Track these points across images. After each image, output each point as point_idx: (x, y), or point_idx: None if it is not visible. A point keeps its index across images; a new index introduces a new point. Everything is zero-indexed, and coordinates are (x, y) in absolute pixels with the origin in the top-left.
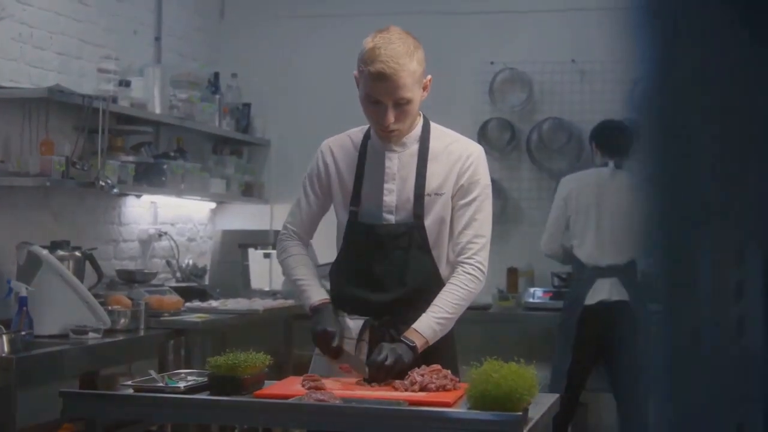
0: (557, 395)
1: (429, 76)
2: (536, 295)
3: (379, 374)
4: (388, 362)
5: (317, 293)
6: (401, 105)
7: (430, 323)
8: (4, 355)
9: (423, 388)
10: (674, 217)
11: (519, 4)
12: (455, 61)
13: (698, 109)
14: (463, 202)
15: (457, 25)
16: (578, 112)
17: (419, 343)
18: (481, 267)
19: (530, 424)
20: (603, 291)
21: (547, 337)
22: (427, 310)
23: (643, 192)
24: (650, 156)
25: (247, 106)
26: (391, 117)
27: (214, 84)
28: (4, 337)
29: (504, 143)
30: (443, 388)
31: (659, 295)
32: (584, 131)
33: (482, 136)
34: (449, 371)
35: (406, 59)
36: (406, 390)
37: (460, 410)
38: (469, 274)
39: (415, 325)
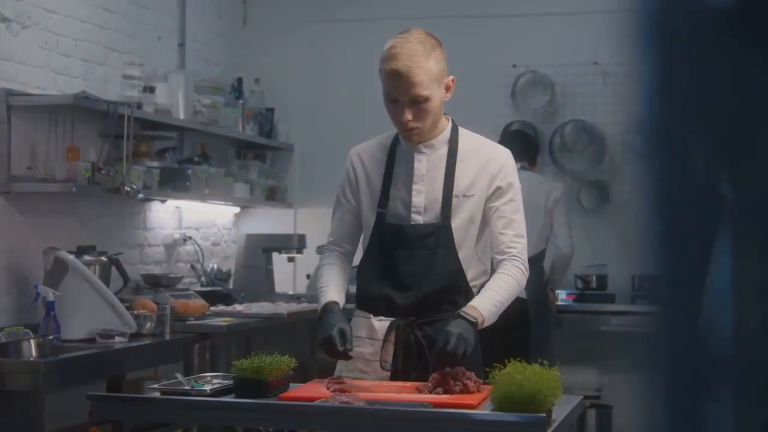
0: (581, 397)
1: (451, 77)
2: (560, 297)
3: (442, 361)
4: (458, 351)
5: (328, 296)
6: (418, 103)
7: (486, 304)
8: (32, 359)
9: (447, 391)
10: (687, 218)
11: (541, 7)
12: (478, 64)
13: (706, 110)
14: (500, 203)
15: (480, 29)
16: (601, 114)
17: (479, 319)
18: (525, 265)
19: (554, 426)
20: None
21: (571, 339)
22: (482, 291)
23: (655, 193)
24: (658, 159)
25: (271, 110)
26: (408, 115)
27: (237, 89)
28: (32, 342)
29: None
30: (467, 390)
31: (670, 299)
32: (607, 133)
33: (504, 139)
34: (473, 373)
35: (421, 57)
36: (430, 392)
37: (484, 412)
38: (517, 268)
39: (473, 302)
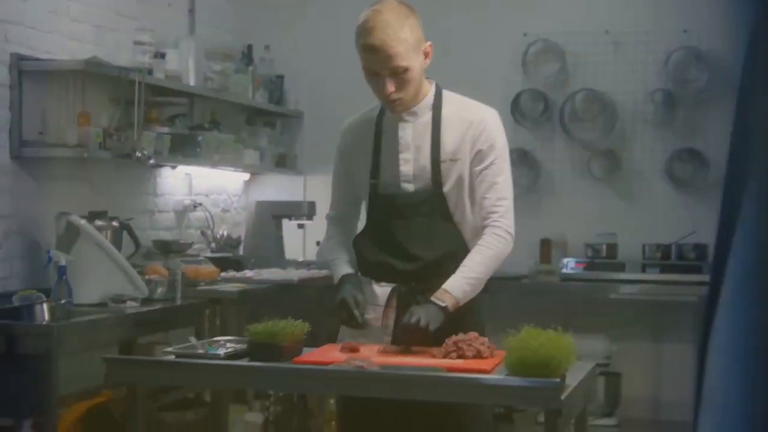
0: (594, 363)
1: (429, 43)
2: (569, 266)
3: (405, 335)
4: (421, 324)
5: (343, 268)
6: (398, 74)
7: (460, 283)
8: (45, 323)
9: (460, 356)
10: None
11: None
12: (488, 33)
13: None
14: (481, 167)
15: None
16: (611, 83)
17: (450, 302)
18: (508, 230)
19: (568, 391)
20: None
21: (582, 308)
22: (457, 270)
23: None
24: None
25: (280, 78)
26: (390, 87)
27: (247, 56)
28: (45, 306)
29: (537, 114)
30: (480, 356)
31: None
32: (618, 102)
33: (515, 108)
34: (486, 339)
35: (395, 28)
36: (443, 357)
37: (498, 377)
38: (497, 236)
39: (446, 285)
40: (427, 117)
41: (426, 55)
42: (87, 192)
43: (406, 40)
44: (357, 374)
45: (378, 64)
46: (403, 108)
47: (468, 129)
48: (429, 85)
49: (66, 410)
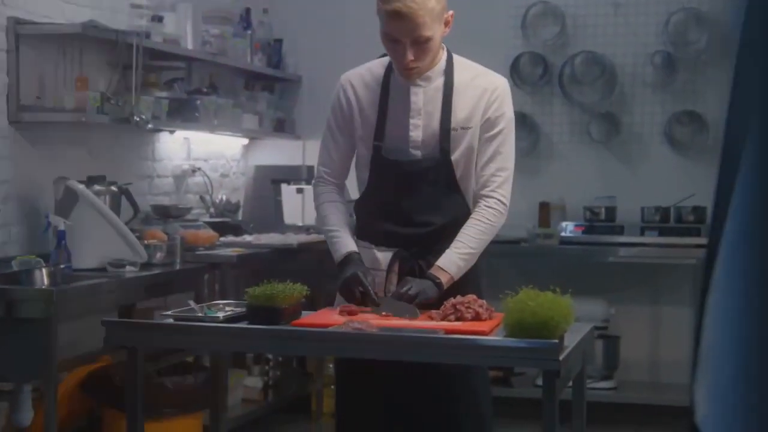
0: (592, 325)
1: (451, 12)
2: (569, 229)
3: (394, 305)
4: (411, 293)
5: (345, 245)
6: (420, 43)
7: (454, 259)
8: (44, 287)
9: (459, 318)
10: None
11: None
12: None
13: None
14: (488, 135)
15: None
16: (611, 46)
17: (444, 279)
18: (503, 200)
19: (566, 352)
20: None
21: (581, 271)
22: (451, 245)
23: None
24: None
25: (279, 42)
26: (410, 55)
27: (245, 20)
28: (44, 270)
29: (536, 78)
30: (478, 318)
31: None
32: (617, 65)
33: (514, 71)
34: (484, 301)
35: None
36: (442, 319)
37: (496, 338)
38: (491, 208)
39: (439, 261)
40: (438, 82)
41: (446, 23)
42: (85, 157)
43: (433, 9)
44: (355, 336)
45: (401, 31)
46: (419, 76)
47: (481, 96)
48: (441, 51)
49: (66, 375)
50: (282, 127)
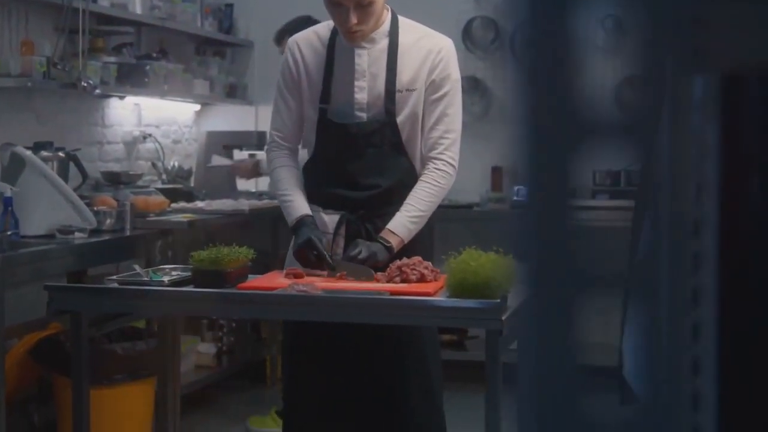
0: None
1: None
2: (521, 193)
3: (345, 267)
4: (361, 256)
5: (298, 209)
6: (363, 6)
7: (403, 222)
8: None
9: (404, 279)
10: None
11: None
12: None
13: None
14: (434, 97)
15: None
16: None
17: (394, 242)
18: (452, 162)
19: (509, 312)
20: None
21: None
22: (401, 208)
23: None
24: None
25: (230, 6)
26: (353, 18)
27: None
28: None
29: (488, 42)
30: (423, 279)
31: None
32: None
33: (466, 35)
34: (430, 263)
35: None
36: (387, 281)
37: (440, 299)
38: (439, 170)
39: (390, 225)
40: (383, 44)
41: None
42: (32, 123)
43: None
44: (300, 299)
45: None
46: (363, 39)
47: (426, 58)
48: (386, 12)
49: (15, 342)
50: (234, 92)
